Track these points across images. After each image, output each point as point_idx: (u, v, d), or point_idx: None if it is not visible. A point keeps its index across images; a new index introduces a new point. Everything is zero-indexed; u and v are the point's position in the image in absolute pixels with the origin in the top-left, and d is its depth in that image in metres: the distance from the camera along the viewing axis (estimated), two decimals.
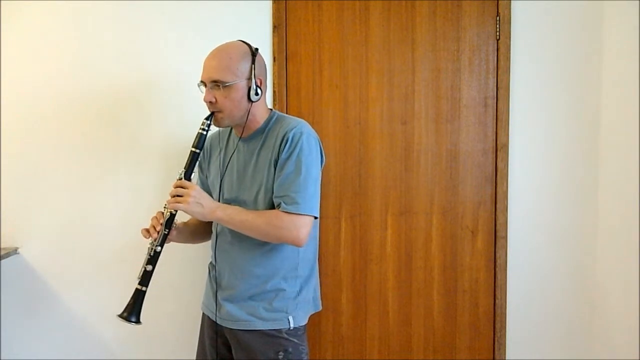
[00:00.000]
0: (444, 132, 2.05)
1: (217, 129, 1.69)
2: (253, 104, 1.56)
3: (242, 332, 1.57)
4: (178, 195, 1.49)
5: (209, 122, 1.55)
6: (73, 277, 2.08)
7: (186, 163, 1.54)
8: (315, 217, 1.53)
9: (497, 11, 2.02)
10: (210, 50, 1.57)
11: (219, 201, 1.61)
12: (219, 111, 1.54)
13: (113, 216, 2.06)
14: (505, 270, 2.05)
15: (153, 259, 1.53)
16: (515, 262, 2.06)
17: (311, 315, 1.67)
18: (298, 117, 1.65)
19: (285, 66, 2.05)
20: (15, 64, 2.04)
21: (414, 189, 2.06)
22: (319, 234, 1.73)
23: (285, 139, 1.52)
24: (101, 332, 2.08)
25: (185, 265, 2.06)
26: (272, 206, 1.53)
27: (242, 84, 1.53)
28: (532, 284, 2.06)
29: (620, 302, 1.93)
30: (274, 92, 2.03)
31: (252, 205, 1.56)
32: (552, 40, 2.02)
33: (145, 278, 1.53)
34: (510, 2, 2.01)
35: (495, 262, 2.06)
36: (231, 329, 1.59)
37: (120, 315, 1.52)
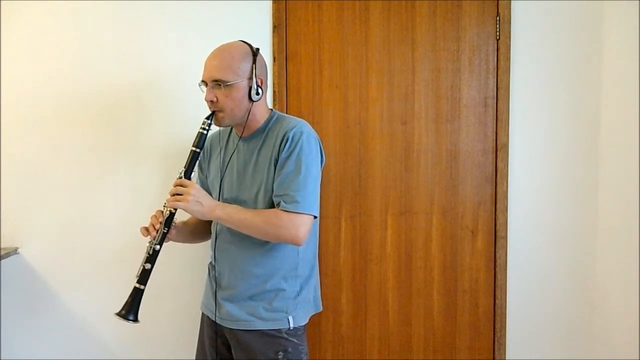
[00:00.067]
0: (444, 132, 2.05)
1: (217, 128, 1.69)
2: (254, 103, 1.56)
3: (241, 332, 1.57)
4: (178, 194, 1.49)
5: (209, 121, 1.55)
6: (73, 277, 2.08)
7: (186, 162, 1.54)
8: (315, 217, 1.53)
9: (497, 11, 2.02)
10: (211, 50, 1.58)
11: (218, 201, 1.61)
12: (220, 110, 1.54)
13: (113, 216, 2.06)
14: (505, 270, 2.05)
15: (152, 257, 1.53)
16: (515, 262, 2.06)
17: (311, 316, 1.67)
18: (298, 117, 1.65)
19: (285, 66, 2.05)
20: (15, 64, 2.04)
21: (414, 189, 2.06)
22: (319, 234, 1.73)
23: (286, 138, 1.52)
24: (101, 332, 2.09)
25: (185, 265, 2.06)
26: (272, 205, 1.53)
27: (243, 84, 1.53)
28: (532, 284, 2.06)
29: (620, 302, 1.93)
30: (274, 92, 2.03)
31: (252, 205, 1.56)
32: (552, 40, 2.02)
33: (144, 276, 1.53)
34: (510, 2, 2.01)
35: (495, 262, 2.06)
36: (231, 328, 1.59)
37: (118, 314, 1.52)
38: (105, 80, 2.04)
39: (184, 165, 1.54)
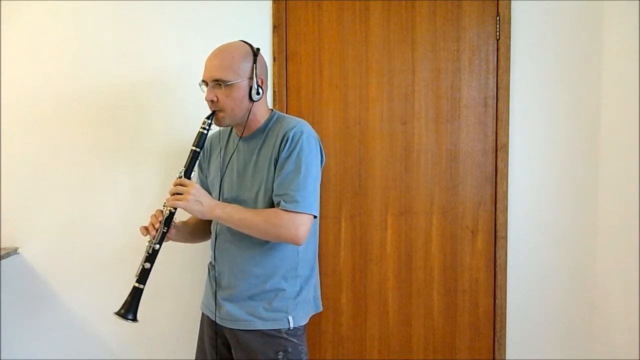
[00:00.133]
0: (444, 132, 2.05)
1: (217, 128, 1.69)
2: (254, 103, 1.56)
3: (241, 332, 1.57)
4: (178, 193, 1.49)
5: (210, 121, 1.55)
6: (73, 277, 2.08)
7: (186, 162, 1.54)
8: (315, 216, 1.53)
9: (497, 11, 2.02)
10: (211, 50, 1.58)
11: (219, 200, 1.61)
12: (220, 110, 1.54)
13: (113, 216, 2.06)
14: (505, 270, 2.05)
15: (151, 256, 1.53)
16: (515, 262, 2.06)
17: (311, 316, 1.67)
18: (298, 117, 1.65)
19: (285, 66, 2.05)
20: (15, 64, 2.04)
21: (414, 189, 2.06)
22: (319, 234, 1.73)
23: (286, 138, 1.52)
24: (101, 332, 2.09)
25: (185, 265, 2.06)
26: (272, 205, 1.53)
27: (244, 84, 1.54)
28: (532, 284, 2.06)
29: (620, 302, 1.93)
30: (274, 92, 2.03)
31: (252, 205, 1.56)
32: (552, 40, 2.02)
33: (143, 276, 1.53)
34: (510, 2, 2.01)
35: (495, 262, 2.06)
36: (231, 328, 1.59)
37: (117, 313, 1.51)
38: (105, 80, 2.04)
39: (184, 164, 1.54)
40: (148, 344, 2.09)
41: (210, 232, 1.73)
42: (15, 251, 2.04)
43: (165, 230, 1.54)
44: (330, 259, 2.08)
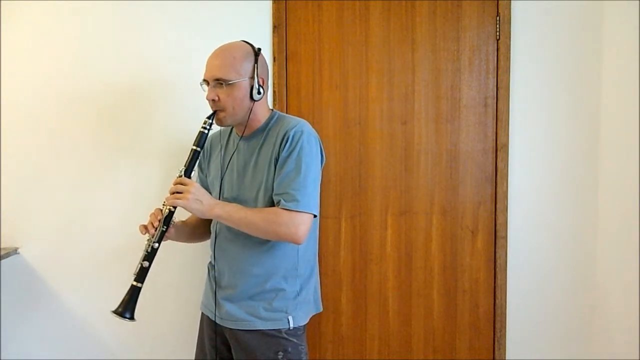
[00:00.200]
0: (444, 132, 2.05)
1: (217, 128, 1.69)
2: (255, 103, 1.57)
3: (241, 332, 1.57)
4: (178, 192, 1.49)
5: (210, 121, 1.56)
6: (73, 277, 2.08)
7: (187, 161, 1.54)
8: (315, 216, 1.53)
9: (497, 11, 2.02)
10: (211, 50, 1.58)
11: (219, 200, 1.61)
12: (222, 110, 1.55)
13: (113, 216, 2.06)
14: (505, 270, 2.05)
15: (150, 255, 1.53)
16: (515, 262, 2.06)
17: (311, 316, 1.66)
18: (298, 117, 1.65)
19: (285, 66, 2.05)
20: (15, 64, 2.04)
21: (414, 189, 2.06)
22: (319, 234, 1.73)
23: (286, 137, 1.52)
24: (101, 332, 2.09)
25: (185, 265, 2.06)
26: (272, 204, 1.53)
27: (245, 83, 1.54)
28: (532, 284, 2.06)
29: (620, 302, 1.93)
30: (274, 92, 2.03)
31: (253, 204, 1.57)
32: (552, 40, 2.02)
33: (142, 274, 1.52)
34: (510, 2, 2.01)
35: (495, 262, 2.06)
36: (231, 329, 1.59)
37: (115, 311, 1.50)
38: (105, 80, 2.04)
39: (184, 164, 1.54)
40: (148, 344, 2.09)
41: (210, 232, 1.73)
42: (15, 251, 2.04)
43: (164, 229, 1.53)
44: (330, 259, 2.08)
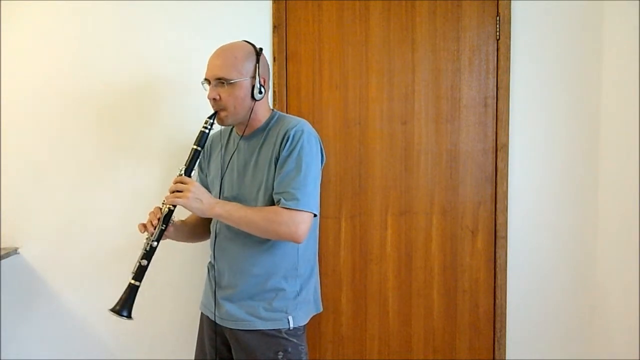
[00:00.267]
0: (444, 132, 2.05)
1: (218, 129, 1.69)
2: (256, 102, 1.57)
3: (241, 332, 1.57)
4: (178, 191, 1.49)
5: (211, 120, 1.56)
6: (73, 277, 2.08)
7: (187, 160, 1.54)
8: (315, 215, 1.53)
9: (497, 11, 2.02)
10: (211, 50, 1.59)
11: (219, 199, 1.61)
12: (223, 109, 1.55)
13: (113, 216, 2.06)
14: (505, 270, 2.05)
15: (148, 254, 1.52)
16: (515, 262, 2.06)
17: (311, 316, 1.66)
18: (298, 117, 1.65)
19: (285, 66, 2.05)
20: (15, 64, 2.04)
21: (414, 189, 2.06)
22: (319, 234, 1.73)
23: (286, 137, 1.52)
24: (101, 332, 2.09)
25: (185, 265, 2.06)
26: (272, 204, 1.53)
27: (246, 82, 1.54)
28: (532, 284, 2.06)
29: (620, 302, 1.93)
30: (274, 92, 2.03)
31: (253, 203, 1.57)
32: (552, 40, 2.02)
33: (140, 273, 1.52)
34: (510, 2, 2.01)
35: (495, 262, 2.06)
36: (231, 329, 1.59)
37: (112, 309, 1.50)
38: (105, 80, 2.04)
39: (184, 163, 1.54)
40: (147, 343, 2.09)
41: (209, 232, 1.73)
42: (15, 251, 2.04)
43: (163, 228, 1.53)
44: (330, 259, 2.08)
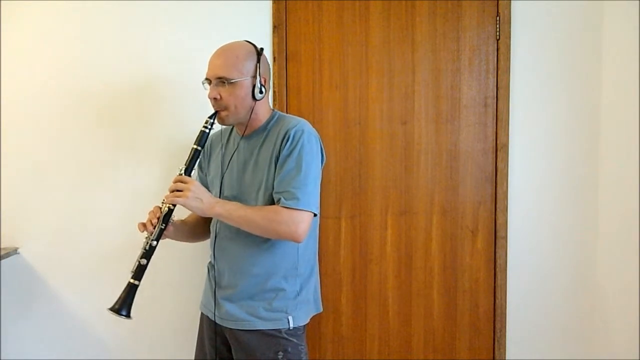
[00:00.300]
0: (444, 132, 2.05)
1: (218, 129, 1.69)
2: (257, 102, 1.57)
3: (241, 332, 1.57)
4: (177, 190, 1.49)
5: (212, 120, 1.56)
6: (73, 277, 2.08)
7: (187, 159, 1.54)
8: (315, 215, 1.53)
9: (497, 11, 2.02)
10: (211, 50, 1.59)
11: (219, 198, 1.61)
12: (224, 109, 1.55)
13: (113, 216, 2.06)
14: (505, 270, 2.05)
15: (148, 253, 1.52)
16: (515, 262, 2.06)
17: (311, 317, 1.66)
18: (298, 117, 1.65)
19: (285, 66, 2.05)
20: (15, 64, 2.04)
21: (414, 189, 2.06)
22: (319, 234, 1.73)
23: (287, 136, 1.53)
24: (101, 332, 2.09)
25: (185, 265, 2.06)
26: (272, 203, 1.53)
27: (247, 82, 1.54)
28: (532, 284, 2.06)
29: (620, 302, 1.93)
30: (274, 92, 2.03)
31: (253, 203, 1.57)
32: (552, 40, 2.02)
33: (139, 272, 1.51)
34: (510, 2, 2.01)
35: (495, 262, 2.06)
36: (231, 328, 1.59)
37: (111, 309, 1.50)
38: (105, 80, 2.04)
39: (184, 163, 1.54)
40: (147, 343, 2.09)
41: (209, 232, 1.73)
42: (15, 251, 2.04)
43: (163, 227, 1.52)
44: (330, 259, 2.08)
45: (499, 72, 2.02)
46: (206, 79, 1.58)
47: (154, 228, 1.52)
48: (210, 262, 1.70)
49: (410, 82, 2.05)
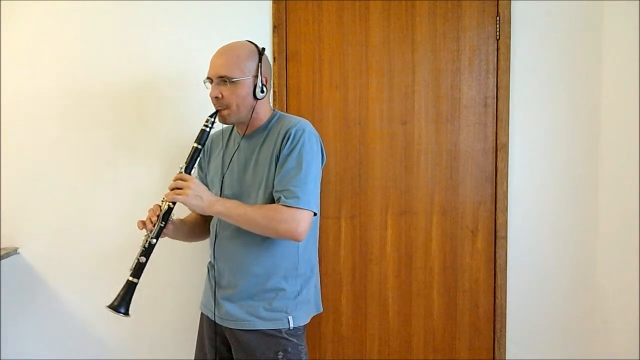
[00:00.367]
0: (444, 132, 2.05)
1: (218, 128, 1.69)
2: (258, 101, 1.57)
3: (241, 332, 1.57)
4: (178, 188, 1.49)
5: (213, 119, 1.56)
6: (73, 277, 2.08)
7: (187, 158, 1.54)
8: (315, 214, 1.53)
9: (497, 11, 2.02)
10: (211, 50, 1.59)
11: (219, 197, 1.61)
12: (225, 107, 1.55)
13: (113, 216, 2.06)
14: (505, 270, 2.05)
15: (147, 251, 1.51)
16: (515, 262, 2.06)
17: (312, 317, 1.66)
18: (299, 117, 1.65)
19: (285, 66, 2.05)
20: (16, 64, 2.04)
21: (414, 189, 2.06)
22: (319, 234, 1.73)
23: (287, 135, 1.53)
24: (101, 332, 2.09)
25: (185, 265, 2.06)
26: (272, 202, 1.53)
27: (249, 81, 1.55)
28: (532, 284, 2.06)
29: (620, 302, 1.93)
30: (274, 92, 2.03)
31: (253, 201, 1.56)
32: (552, 40, 2.02)
33: (138, 270, 1.51)
34: (510, 2, 2.01)
35: (495, 262, 2.06)
36: (231, 328, 1.59)
37: (110, 306, 1.49)
38: (105, 80, 2.04)
39: (184, 161, 1.54)
40: (147, 343, 2.09)
41: (208, 232, 1.73)
42: (15, 251, 2.04)
43: (162, 225, 1.52)
44: (330, 259, 2.08)
45: (499, 72, 2.02)
46: (208, 77, 1.58)
47: (154, 226, 1.52)
48: (210, 262, 1.70)
49: (410, 82, 2.05)
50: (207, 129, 1.56)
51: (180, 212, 1.59)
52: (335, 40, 2.05)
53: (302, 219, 1.48)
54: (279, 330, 1.55)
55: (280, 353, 1.55)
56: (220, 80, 1.54)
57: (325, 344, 2.10)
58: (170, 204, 1.52)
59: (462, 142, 2.05)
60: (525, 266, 2.06)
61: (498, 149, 2.04)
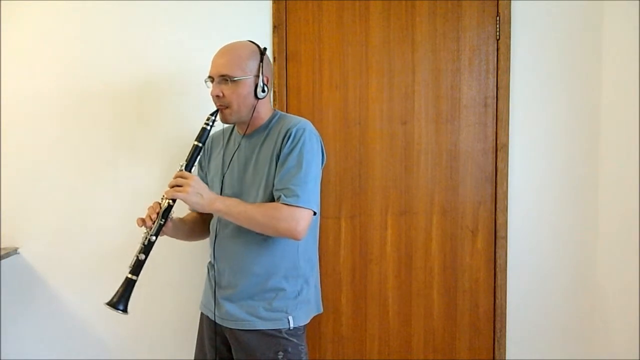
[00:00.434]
0: (444, 132, 2.05)
1: (218, 128, 1.69)
2: (259, 101, 1.57)
3: (241, 331, 1.57)
4: (178, 185, 1.49)
5: (213, 117, 1.56)
6: (73, 277, 2.08)
7: (188, 156, 1.54)
8: (315, 213, 1.53)
9: (497, 11, 2.02)
10: (213, 50, 1.59)
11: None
12: (226, 107, 1.55)
13: (113, 216, 2.06)
14: (505, 270, 2.05)
15: (146, 248, 1.51)
16: (515, 262, 2.06)
17: (312, 317, 1.66)
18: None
19: (285, 66, 2.05)
20: (16, 64, 2.04)
21: (414, 189, 2.06)
22: (319, 234, 1.73)
23: (288, 134, 1.53)
24: (101, 332, 2.09)
25: (185, 265, 2.06)
26: (272, 201, 1.53)
27: (250, 81, 1.55)
28: (532, 284, 2.06)
29: (620, 302, 1.93)
30: (274, 92, 2.03)
31: (253, 200, 1.56)
32: (552, 40, 2.02)
33: (137, 267, 1.50)
34: (510, 2, 2.01)
35: (495, 262, 2.06)
36: (231, 328, 1.59)
37: (108, 303, 1.49)
38: (105, 80, 2.04)
39: (185, 159, 1.54)
40: (148, 344, 2.09)
41: (207, 231, 1.73)
42: (15, 251, 2.04)
43: (162, 223, 1.51)
44: (330, 259, 2.08)
45: (499, 72, 2.02)
46: (209, 77, 1.58)
47: (153, 223, 1.51)
48: (210, 262, 1.70)
49: (410, 82, 2.05)
50: (208, 127, 1.56)
51: (180, 212, 1.59)
52: (335, 40, 2.05)
53: (301, 218, 1.48)
54: (279, 330, 1.55)
55: (281, 353, 1.55)
56: (221, 79, 1.54)
57: (325, 344, 2.10)
58: (170, 201, 1.51)
59: (462, 142, 2.05)
60: (525, 266, 2.06)
61: (498, 149, 2.04)
